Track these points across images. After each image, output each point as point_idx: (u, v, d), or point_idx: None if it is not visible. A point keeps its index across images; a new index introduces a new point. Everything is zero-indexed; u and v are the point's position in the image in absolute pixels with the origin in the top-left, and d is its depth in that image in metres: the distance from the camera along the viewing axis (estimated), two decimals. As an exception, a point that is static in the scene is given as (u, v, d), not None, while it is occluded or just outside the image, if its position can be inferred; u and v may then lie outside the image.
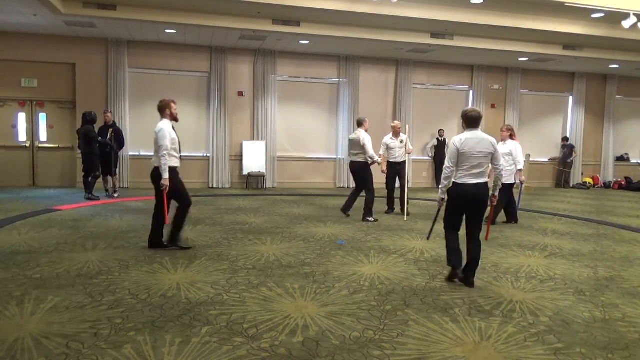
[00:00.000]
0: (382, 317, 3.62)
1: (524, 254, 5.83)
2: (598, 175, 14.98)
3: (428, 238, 5.65)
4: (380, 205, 8.49)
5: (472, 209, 4.50)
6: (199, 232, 6.52)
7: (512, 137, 7.50)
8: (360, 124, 7.87)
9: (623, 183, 14.71)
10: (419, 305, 3.89)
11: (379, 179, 8.32)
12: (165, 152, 5.19)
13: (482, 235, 4.61)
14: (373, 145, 7.81)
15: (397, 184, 8.41)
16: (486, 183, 4.48)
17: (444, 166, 4.57)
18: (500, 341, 3.27)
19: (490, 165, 4.53)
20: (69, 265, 4.74)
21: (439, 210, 4.91)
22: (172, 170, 5.30)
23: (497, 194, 4.71)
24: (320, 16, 9.48)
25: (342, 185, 12.69)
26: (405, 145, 8.24)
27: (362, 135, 7.70)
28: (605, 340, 3.34)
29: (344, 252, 5.62)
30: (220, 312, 3.61)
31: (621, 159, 15.39)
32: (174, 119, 5.44)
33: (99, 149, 9.43)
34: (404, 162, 8.25)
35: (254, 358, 2.91)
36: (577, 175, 14.68)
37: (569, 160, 14.29)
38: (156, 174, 5.30)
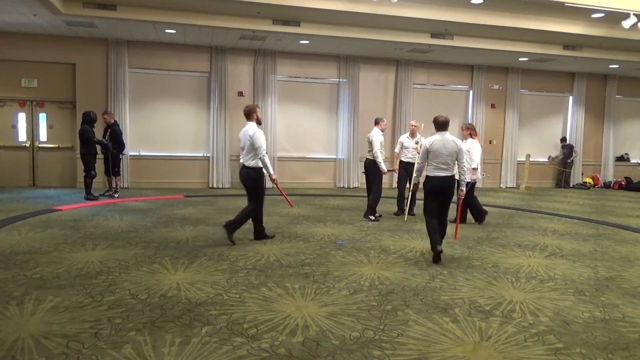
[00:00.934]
0: (382, 317, 3.62)
1: (524, 254, 5.83)
2: (598, 175, 14.97)
3: (410, 213, 7.49)
4: (384, 206, 8.48)
5: (442, 196, 5.43)
6: (199, 232, 6.52)
7: (472, 135, 7.55)
8: (375, 122, 7.93)
9: (623, 183, 14.71)
10: (419, 305, 3.89)
11: (388, 178, 8.32)
12: (265, 152, 5.79)
13: (451, 232, 5.93)
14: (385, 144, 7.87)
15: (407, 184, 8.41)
16: (453, 176, 5.43)
17: (416, 161, 5.82)
18: (500, 341, 3.27)
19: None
20: (69, 265, 4.74)
21: (414, 191, 6.43)
22: (260, 170, 5.86)
23: (463, 188, 5.61)
24: (320, 16, 9.47)
25: (342, 185, 12.68)
26: (420, 147, 8.23)
27: (373, 133, 7.74)
28: (605, 340, 3.34)
29: (344, 252, 5.62)
30: (220, 312, 3.62)
31: (621, 159, 15.38)
32: (259, 122, 5.98)
33: (99, 149, 9.47)
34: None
35: (254, 358, 2.91)
36: (577, 175, 14.68)
37: (569, 161, 14.29)
38: (253, 174, 5.84)
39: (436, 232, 5.33)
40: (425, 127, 9.60)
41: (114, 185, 9.82)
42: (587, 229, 7.65)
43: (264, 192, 6.04)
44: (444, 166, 5.36)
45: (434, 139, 5.45)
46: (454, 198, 5.58)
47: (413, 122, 8.44)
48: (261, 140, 5.75)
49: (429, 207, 5.46)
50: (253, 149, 5.76)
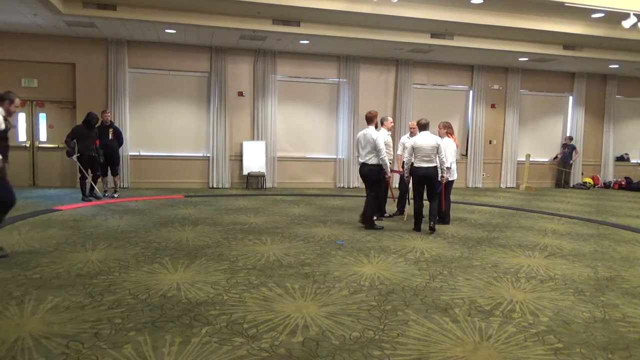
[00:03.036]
0: (382, 317, 3.62)
1: (524, 254, 5.83)
2: (598, 175, 14.97)
3: (404, 217, 7.90)
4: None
5: (427, 183, 6.90)
6: (199, 232, 6.52)
7: (448, 134, 7.57)
8: (380, 122, 7.92)
9: (623, 183, 14.70)
10: (419, 305, 3.89)
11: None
12: (385, 153, 6.90)
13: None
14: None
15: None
16: (435, 166, 6.82)
17: (405, 157, 7.23)
18: (500, 341, 3.27)
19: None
20: (69, 265, 4.74)
21: (406, 185, 7.65)
22: (380, 167, 6.91)
23: (445, 175, 7.01)
24: (320, 16, 9.47)
25: (342, 185, 12.68)
26: None
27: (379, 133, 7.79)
28: (605, 340, 3.34)
29: (344, 252, 5.62)
30: (220, 312, 3.62)
31: (621, 159, 15.38)
32: (377, 126, 7.08)
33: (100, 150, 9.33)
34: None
35: (254, 358, 2.92)
36: (577, 175, 14.67)
37: (570, 162, 14.29)
38: (376, 170, 6.89)
39: (419, 217, 6.95)
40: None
41: (112, 185, 9.79)
42: (587, 229, 7.65)
43: (382, 185, 7.18)
44: (426, 158, 6.79)
45: (418, 137, 6.91)
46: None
47: (412, 123, 8.43)
48: (382, 143, 6.85)
49: (416, 191, 6.97)
50: (375, 149, 6.79)
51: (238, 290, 4.14)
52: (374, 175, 6.96)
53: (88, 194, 9.17)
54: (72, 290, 4.01)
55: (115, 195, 9.67)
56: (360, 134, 7.11)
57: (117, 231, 6.42)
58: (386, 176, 7.03)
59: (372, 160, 6.88)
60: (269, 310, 3.69)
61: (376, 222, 7.13)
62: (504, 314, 3.77)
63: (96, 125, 9.24)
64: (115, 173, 9.75)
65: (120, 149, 9.99)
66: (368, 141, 6.88)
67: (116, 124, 10.06)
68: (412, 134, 8.26)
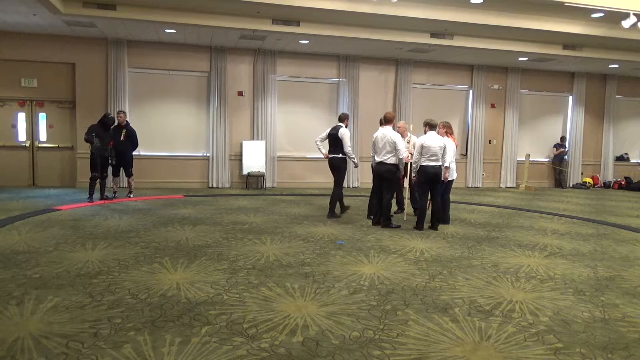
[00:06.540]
0: (382, 317, 3.62)
1: (524, 254, 5.83)
2: (598, 175, 14.97)
3: (404, 217, 7.81)
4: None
5: (433, 182, 7.08)
6: (199, 232, 6.52)
7: (448, 134, 7.60)
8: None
9: (623, 183, 14.70)
10: (419, 305, 3.89)
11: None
12: (404, 154, 7.18)
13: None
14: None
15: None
16: (441, 166, 7.07)
17: (414, 156, 7.26)
18: (500, 341, 3.27)
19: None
20: (69, 265, 4.74)
21: (409, 183, 7.75)
22: (397, 166, 7.21)
23: (445, 174, 7.26)
24: (320, 16, 9.47)
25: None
26: (412, 146, 8.19)
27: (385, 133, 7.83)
28: (605, 340, 3.34)
29: (344, 252, 5.62)
30: (220, 312, 3.62)
31: (621, 159, 15.37)
32: (394, 127, 7.33)
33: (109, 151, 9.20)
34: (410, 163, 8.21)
35: (254, 358, 2.91)
36: (576, 175, 14.67)
37: (565, 157, 14.30)
38: (393, 169, 7.14)
39: (423, 215, 7.06)
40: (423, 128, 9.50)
41: (122, 186, 9.75)
42: (587, 229, 7.65)
43: (398, 184, 7.42)
44: (434, 158, 6.97)
45: (427, 137, 7.03)
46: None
47: (401, 124, 8.44)
48: (402, 144, 7.11)
49: (421, 189, 7.14)
50: (393, 149, 7.00)
51: (238, 290, 4.14)
52: (391, 174, 7.16)
53: (102, 195, 9.07)
54: (72, 290, 4.01)
55: (131, 196, 9.60)
56: (378, 134, 7.20)
57: (117, 231, 6.42)
58: (400, 175, 7.30)
59: (391, 160, 7.10)
60: (269, 310, 3.69)
61: (393, 221, 7.25)
62: (504, 314, 3.77)
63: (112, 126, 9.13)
64: (129, 175, 9.66)
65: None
66: (387, 141, 7.05)
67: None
68: (402, 135, 8.21)
